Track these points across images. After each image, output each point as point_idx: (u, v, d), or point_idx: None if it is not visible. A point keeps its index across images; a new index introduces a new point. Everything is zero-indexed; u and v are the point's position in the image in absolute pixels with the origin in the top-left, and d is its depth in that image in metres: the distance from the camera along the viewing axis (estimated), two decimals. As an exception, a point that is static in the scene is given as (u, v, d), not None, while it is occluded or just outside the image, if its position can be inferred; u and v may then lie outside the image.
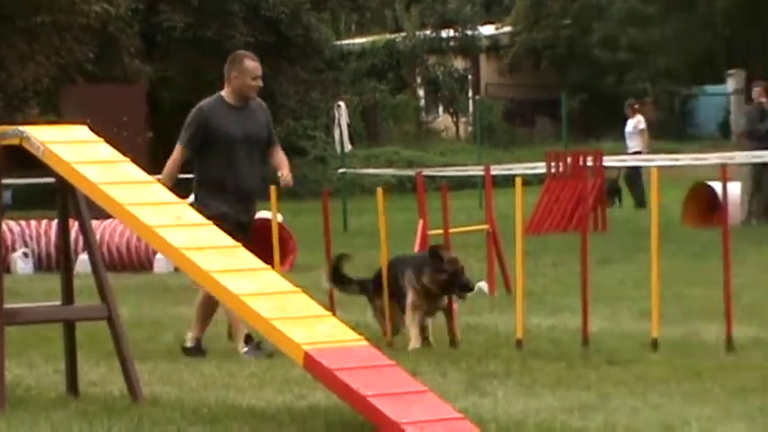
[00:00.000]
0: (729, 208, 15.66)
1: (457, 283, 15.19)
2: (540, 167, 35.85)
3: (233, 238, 12.68)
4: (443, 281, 15.08)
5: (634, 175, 39.50)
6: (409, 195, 19.08)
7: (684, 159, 39.51)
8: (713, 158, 34.82)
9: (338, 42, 61.52)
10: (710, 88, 66.71)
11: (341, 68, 58.89)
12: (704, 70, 68.59)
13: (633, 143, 40.85)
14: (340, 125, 43.20)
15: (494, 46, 71.96)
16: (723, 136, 61.33)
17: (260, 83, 15.35)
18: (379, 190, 16.21)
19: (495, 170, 27.82)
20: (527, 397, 12.24)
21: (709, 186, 32.20)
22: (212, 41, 50.95)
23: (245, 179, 15.15)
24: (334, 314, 12.61)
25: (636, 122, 41.12)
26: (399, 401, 10.69)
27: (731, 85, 61.37)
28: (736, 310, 15.44)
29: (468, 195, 42.18)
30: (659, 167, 18.74)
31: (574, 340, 14.86)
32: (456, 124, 70.05)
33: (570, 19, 67.17)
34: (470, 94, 71.30)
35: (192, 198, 14.99)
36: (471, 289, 15.72)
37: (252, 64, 15.19)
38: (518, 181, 15.24)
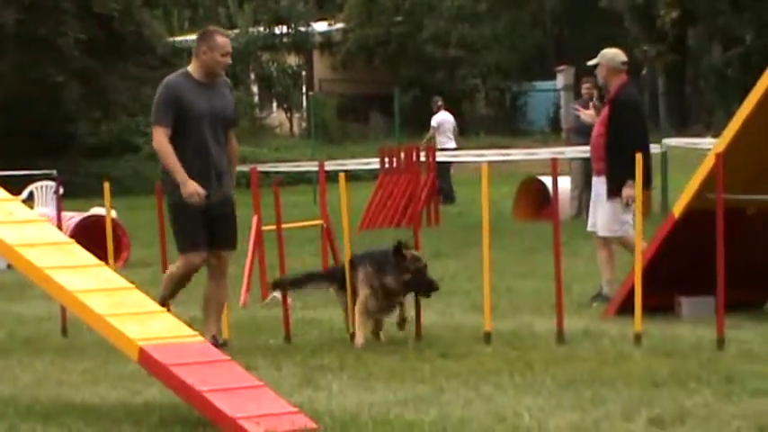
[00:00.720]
0: (560, 202, 15.74)
1: (421, 283, 14.70)
2: (373, 163, 35.99)
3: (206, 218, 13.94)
4: (406, 281, 14.60)
5: (442, 170, 39.57)
6: (244, 191, 19.01)
7: (516, 154, 39.79)
8: (543, 153, 35.07)
9: (171, 39, 61.26)
10: (540, 84, 67.35)
11: (174, 65, 58.68)
12: (534, 67, 69.20)
13: (443, 139, 41.08)
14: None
15: (327, 42, 72.10)
16: (553, 131, 61.80)
17: (229, 60, 14.81)
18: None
19: (329, 166, 27.86)
20: (361, 390, 12.25)
21: (540, 181, 32.43)
22: (44, 39, 50.64)
23: (214, 158, 14.70)
24: (168, 310, 12.57)
25: (441, 119, 41.47)
26: (235, 396, 10.67)
27: (560, 81, 61.93)
28: (567, 302, 15.58)
29: (303, 191, 42.28)
30: (490, 162, 18.82)
31: (407, 334, 14.89)
32: (290, 120, 70.09)
33: (402, 16, 67.40)
34: (304, 90, 71.43)
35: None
36: (436, 288, 14.95)
37: (222, 39, 14.59)
38: (341, 177, 15.27)
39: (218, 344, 13.77)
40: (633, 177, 15.28)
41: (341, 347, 14.70)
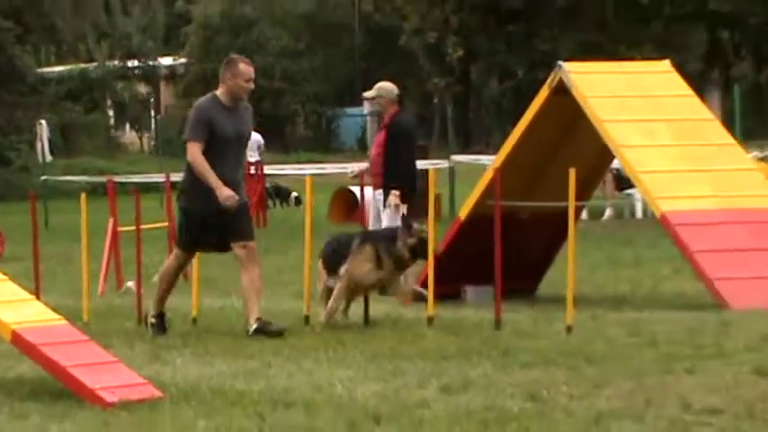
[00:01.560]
0: (366, 208, 15.87)
1: (425, 247, 14.43)
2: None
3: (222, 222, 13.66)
4: (413, 245, 14.34)
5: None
6: (101, 198, 18.94)
7: (329, 168, 39.80)
8: (352, 167, 35.12)
9: (39, 70, 60.68)
10: (350, 110, 67.72)
11: (42, 92, 58.12)
12: (345, 95, 69.53)
13: (249, 152, 40.84)
14: (42, 140, 43.19)
15: (171, 74, 71.85)
16: (360, 149, 62.10)
17: (252, 85, 14.18)
18: (83, 195, 16.03)
19: (174, 177, 27.66)
20: (201, 364, 12.19)
21: (350, 190, 32.52)
22: None
23: (234, 173, 14.05)
24: (38, 298, 12.45)
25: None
26: (94, 371, 10.59)
27: (367, 107, 62.13)
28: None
29: (152, 198, 42.01)
30: (310, 175, 18.81)
31: (241, 318, 14.84)
32: (140, 139, 69.87)
33: (235, 52, 67.18)
34: (152, 114, 71.28)
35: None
36: (438, 256, 14.87)
37: (245, 67, 14.03)
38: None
39: (265, 325, 13.76)
40: (400, 189, 16.41)
41: (184, 329, 14.66)
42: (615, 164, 18.20)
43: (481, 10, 41.00)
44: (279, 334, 13.70)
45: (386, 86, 17.34)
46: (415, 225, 14.55)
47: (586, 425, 9.11)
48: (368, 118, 61.83)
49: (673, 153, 15.94)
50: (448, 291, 15.63)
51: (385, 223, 16.84)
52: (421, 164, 30.60)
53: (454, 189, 31.79)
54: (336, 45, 71.35)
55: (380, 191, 17.16)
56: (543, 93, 15.97)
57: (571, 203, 13.84)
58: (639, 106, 16.04)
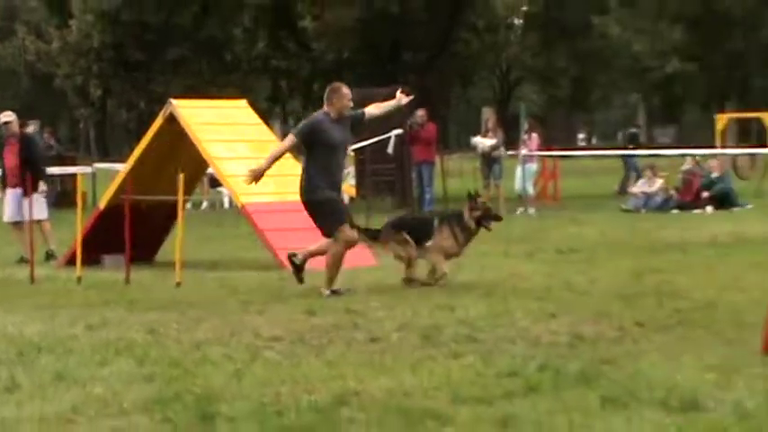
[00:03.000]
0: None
1: (489, 217, 13.02)
2: None
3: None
4: (478, 215, 12.90)
5: None
6: None
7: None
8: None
9: None
10: None
11: None
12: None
13: None
14: None
15: None
16: None
17: (351, 104, 12.72)
18: None
19: None
20: None
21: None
22: None
23: (339, 173, 12.74)
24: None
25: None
26: None
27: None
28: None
29: None
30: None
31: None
32: None
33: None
34: None
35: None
36: (500, 219, 13.55)
37: (346, 91, 12.64)
38: None
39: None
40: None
41: None
42: (210, 170, 18.20)
43: (114, 61, 40.47)
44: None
45: (10, 113, 17.78)
46: (480, 200, 13.21)
47: (191, 349, 9.11)
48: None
49: (249, 163, 16.06)
50: (91, 258, 15.35)
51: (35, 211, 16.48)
52: (73, 169, 30.04)
53: (96, 188, 31.16)
54: (6, 88, 68.80)
55: (20, 189, 16.93)
56: (159, 120, 16.05)
57: (180, 197, 14.02)
58: (226, 131, 16.25)
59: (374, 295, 11.96)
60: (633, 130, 37.17)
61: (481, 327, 9.73)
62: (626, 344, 8.89)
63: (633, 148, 32.52)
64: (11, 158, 17.34)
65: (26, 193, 16.64)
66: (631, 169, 31.32)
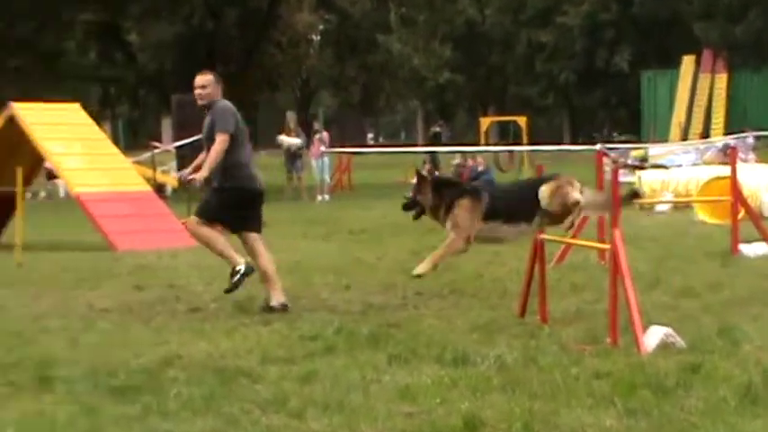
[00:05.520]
0: None
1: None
2: None
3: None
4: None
5: None
6: None
7: None
8: None
9: None
10: None
11: None
12: None
13: None
14: None
15: None
16: None
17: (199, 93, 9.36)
18: None
19: None
20: None
21: None
22: None
23: None
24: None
25: None
26: None
27: None
28: None
29: None
30: None
31: None
32: None
33: None
34: None
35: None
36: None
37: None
38: None
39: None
40: None
41: None
42: (47, 164, 17.58)
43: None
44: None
45: None
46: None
47: (31, 321, 8.80)
48: None
49: (82, 158, 15.78)
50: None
51: None
52: None
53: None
54: None
55: None
56: (0, 120, 15.48)
57: (19, 188, 13.58)
58: (62, 130, 15.82)
59: (194, 273, 11.80)
60: (437, 129, 36.59)
61: (287, 298, 9.71)
62: (408, 310, 9.00)
63: (435, 145, 32.63)
64: None
65: None
66: (436, 163, 31.12)
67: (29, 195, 25.30)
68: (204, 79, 9.35)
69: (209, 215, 9.22)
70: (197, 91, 9.31)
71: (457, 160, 27.71)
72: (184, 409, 5.76)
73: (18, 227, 13.54)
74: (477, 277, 10.82)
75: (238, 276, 9.11)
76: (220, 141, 9.09)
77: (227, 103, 9.37)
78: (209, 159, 9.13)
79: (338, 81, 49.62)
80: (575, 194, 8.26)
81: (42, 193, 30.04)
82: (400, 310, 8.95)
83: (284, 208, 22.31)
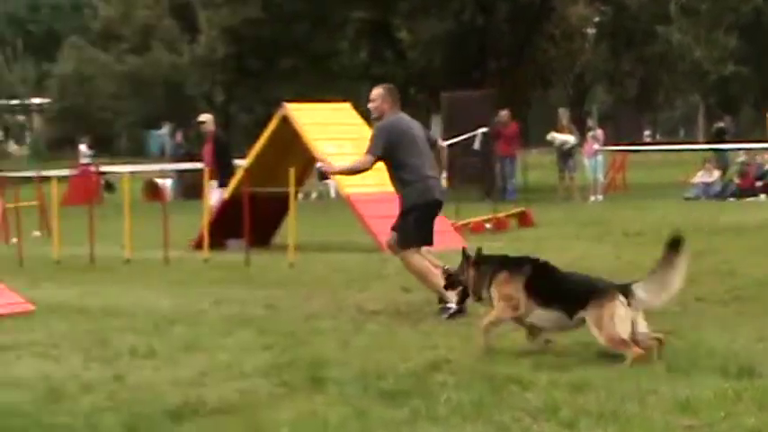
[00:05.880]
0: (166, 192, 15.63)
1: None
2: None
3: None
4: None
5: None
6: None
7: (143, 167, 38.92)
8: (166, 167, 34.35)
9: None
10: (154, 131, 64.16)
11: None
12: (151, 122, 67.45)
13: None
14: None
15: (39, 109, 69.36)
16: (161, 157, 60.62)
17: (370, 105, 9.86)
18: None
19: (43, 173, 26.67)
20: (61, 290, 11.87)
21: (155, 182, 31.99)
22: None
23: None
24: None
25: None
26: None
27: (164, 130, 59.94)
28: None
29: (28, 187, 40.65)
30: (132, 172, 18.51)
31: (85, 262, 14.40)
32: (20, 149, 67.61)
33: (82, 98, 64.79)
34: (27, 134, 69.41)
35: None
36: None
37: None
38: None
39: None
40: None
41: (49, 269, 14.22)
42: (318, 165, 18.22)
43: (235, 71, 40.89)
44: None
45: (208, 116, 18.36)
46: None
47: (302, 322, 9.15)
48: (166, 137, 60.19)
49: (353, 158, 16.09)
50: (217, 242, 15.52)
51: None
52: (200, 165, 30.24)
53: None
54: (144, 96, 68.58)
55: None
56: (275, 121, 16.09)
57: (292, 188, 14.08)
58: (332, 130, 16.24)
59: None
60: (721, 124, 35.24)
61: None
62: (688, 317, 8.75)
63: (719, 142, 31.53)
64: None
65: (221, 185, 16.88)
66: (722, 161, 30.02)
67: (301, 196, 26.39)
68: (374, 93, 9.64)
69: (413, 242, 9.34)
70: (369, 104, 9.67)
71: (742, 158, 26.71)
72: (454, 414, 5.82)
73: (291, 227, 14.10)
74: (762, 283, 10.39)
75: (447, 314, 9.08)
76: (362, 162, 9.52)
77: (386, 123, 9.47)
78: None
79: (613, 75, 48.85)
80: (618, 329, 6.87)
81: (314, 194, 31.11)
82: (679, 318, 8.72)
83: (556, 208, 22.17)
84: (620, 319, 6.93)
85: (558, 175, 26.41)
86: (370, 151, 9.49)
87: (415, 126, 9.63)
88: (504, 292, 7.45)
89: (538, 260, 7.57)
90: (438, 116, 33.00)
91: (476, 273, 7.70)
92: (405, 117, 9.63)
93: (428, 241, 9.52)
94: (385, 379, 6.72)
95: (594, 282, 7.42)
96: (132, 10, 50.12)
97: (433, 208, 9.52)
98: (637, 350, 6.87)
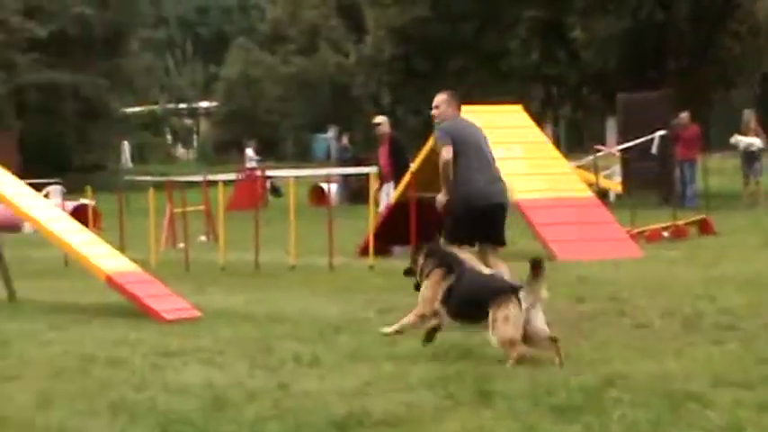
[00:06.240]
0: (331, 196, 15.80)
1: None
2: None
3: None
4: None
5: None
6: (162, 191, 18.92)
7: (308, 172, 39.52)
8: (322, 172, 34.91)
9: (123, 109, 59.27)
10: (319, 135, 65.21)
11: (124, 123, 57.40)
12: (318, 125, 68.32)
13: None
14: (125, 153, 43.08)
15: (207, 112, 71.25)
16: (327, 160, 61.32)
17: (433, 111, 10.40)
18: (151, 189, 16.04)
19: (210, 177, 27.35)
20: (227, 296, 12.11)
21: (321, 186, 32.48)
22: None
23: None
24: (123, 253, 12.36)
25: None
26: (158, 299, 10.60)
27: (330, 133, 60.89)
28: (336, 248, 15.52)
29: (194, 191, 41.62)
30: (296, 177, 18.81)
31: (247, 266, 14.66)
32: (187, 153, 69.59)
33: (248, 101, 66.29)
34: (195, 137, 71.22)
35: None
36: None
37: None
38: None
39: None
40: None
41: (215, 274, 14.54)
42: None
43: (403, 71, 41.17)
44: None
45: (383, 118, 18.86)
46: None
47: (470, 332, 9.12)
48: (331, 140, 61.00)
49: (523, 163, 16.06)
50: (382, 248, 15.65)
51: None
52: (366, 170, 30.62)
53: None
54: (310, 97, 69.21)
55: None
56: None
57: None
58: (502, 133, 16.14)
59: (638, 285, 11.69)
60: None
61: (742, 315, 9.37)
62: None
63: None
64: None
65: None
66: None
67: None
68: (437, 99, 10.21)
69: (454, 240, 9.89)
70: (433, 111, 10.22)
71: None
72: (628, 432, 5.72)
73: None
74: None
75: None
76: (443, 158, 9.94)
77: (448, 125, 10.05)
78: (443, 176, 10.08)
79: (804, 74, 47.21)
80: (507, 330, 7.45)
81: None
82: None
83: (739, 215, 21.54)
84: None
85: (742, 180, 25.70)
86: (443, 144, 9.97)
87: (474, 130, 10.24)
88: (426, 295, 8.11)
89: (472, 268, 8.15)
90: (613, 119, 32.53)
91: (423, 263, 8.29)
92: (465, 120, 10.28)
93: (471, 243, 10.18)
94: (555, 394, 6.64)
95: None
96: (299, 10, 51.03)
97: (476, 213, 10.18)
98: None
